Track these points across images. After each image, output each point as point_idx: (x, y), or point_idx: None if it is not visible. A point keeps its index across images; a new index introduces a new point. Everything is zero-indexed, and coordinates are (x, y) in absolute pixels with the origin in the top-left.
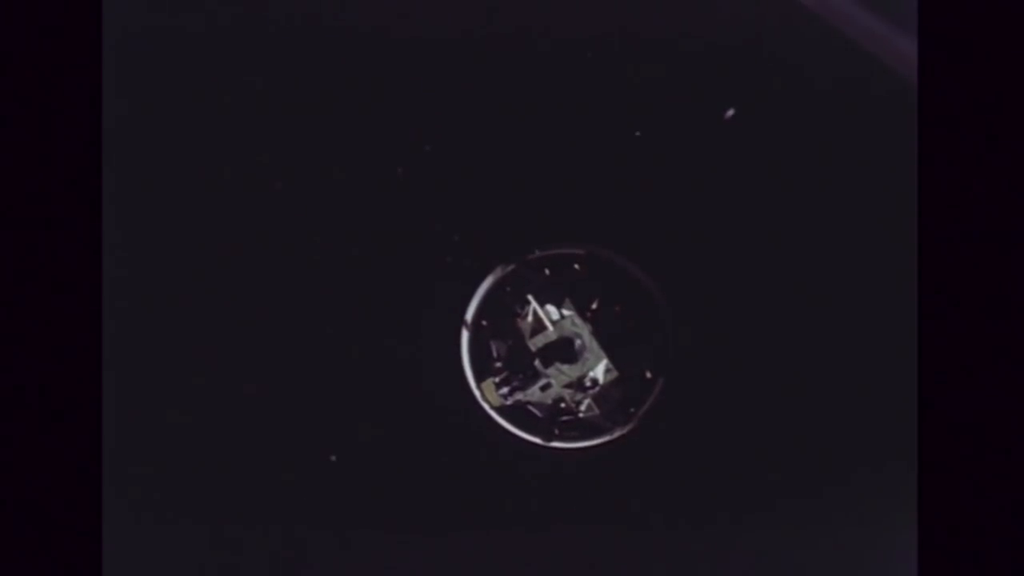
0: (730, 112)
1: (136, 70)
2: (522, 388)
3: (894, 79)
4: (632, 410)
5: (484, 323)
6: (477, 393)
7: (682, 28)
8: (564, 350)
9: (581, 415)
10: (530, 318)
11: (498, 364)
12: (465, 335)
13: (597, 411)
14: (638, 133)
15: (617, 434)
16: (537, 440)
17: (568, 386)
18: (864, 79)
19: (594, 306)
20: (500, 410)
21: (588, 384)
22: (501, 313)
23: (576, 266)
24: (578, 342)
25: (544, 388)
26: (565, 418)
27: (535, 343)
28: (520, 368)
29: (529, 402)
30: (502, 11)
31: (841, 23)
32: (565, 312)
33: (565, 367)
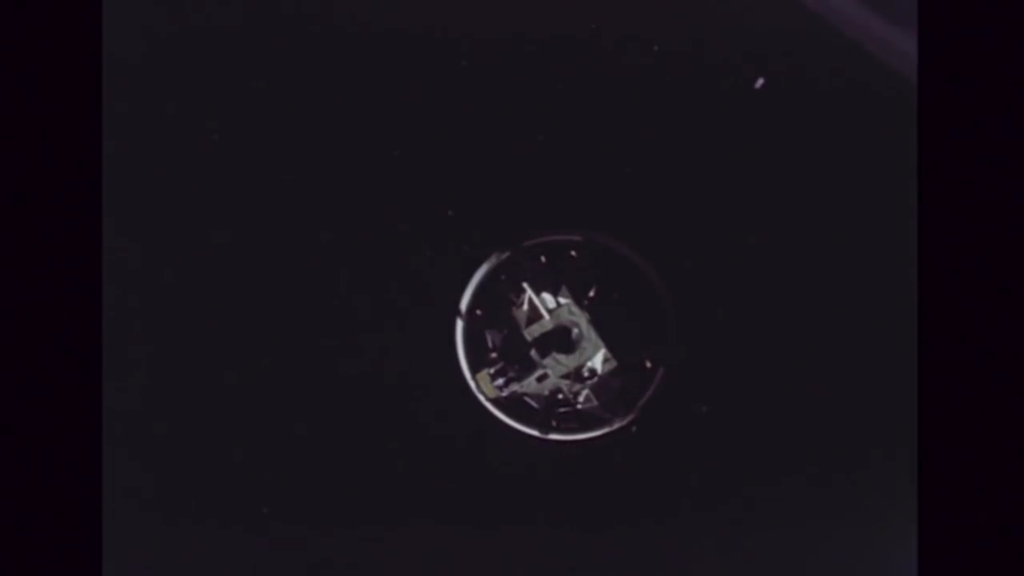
0: (760, 82)
1: (136, 70)
2: (518, 379)
3: (894, 79)
4: (631, 400)
5: (479, 312)
6: (472, 384)
7: (682, 26)
8: (561, 339)
9: (579, 406)
10: (526, 307)
11: (493, 354)
12: (459, 325)
13: (595, 402)
14: (656, 47)
15: (616, 425)
16: (534, 432)
17: (565, 376)
18: (864, 79)
19: (591, 294)
20: (496, 402)
21: (586, 374)
22: (496, 302)
23: (573, 253)
24: (575, 331)
25: (541, 379)
26: (563, 409)
27: (531, 332)
28: (516, 358)
29: (526, 393)
30: (499, 3)
31: (841, 23)
32: (562, 300)
33: (562, 357)
